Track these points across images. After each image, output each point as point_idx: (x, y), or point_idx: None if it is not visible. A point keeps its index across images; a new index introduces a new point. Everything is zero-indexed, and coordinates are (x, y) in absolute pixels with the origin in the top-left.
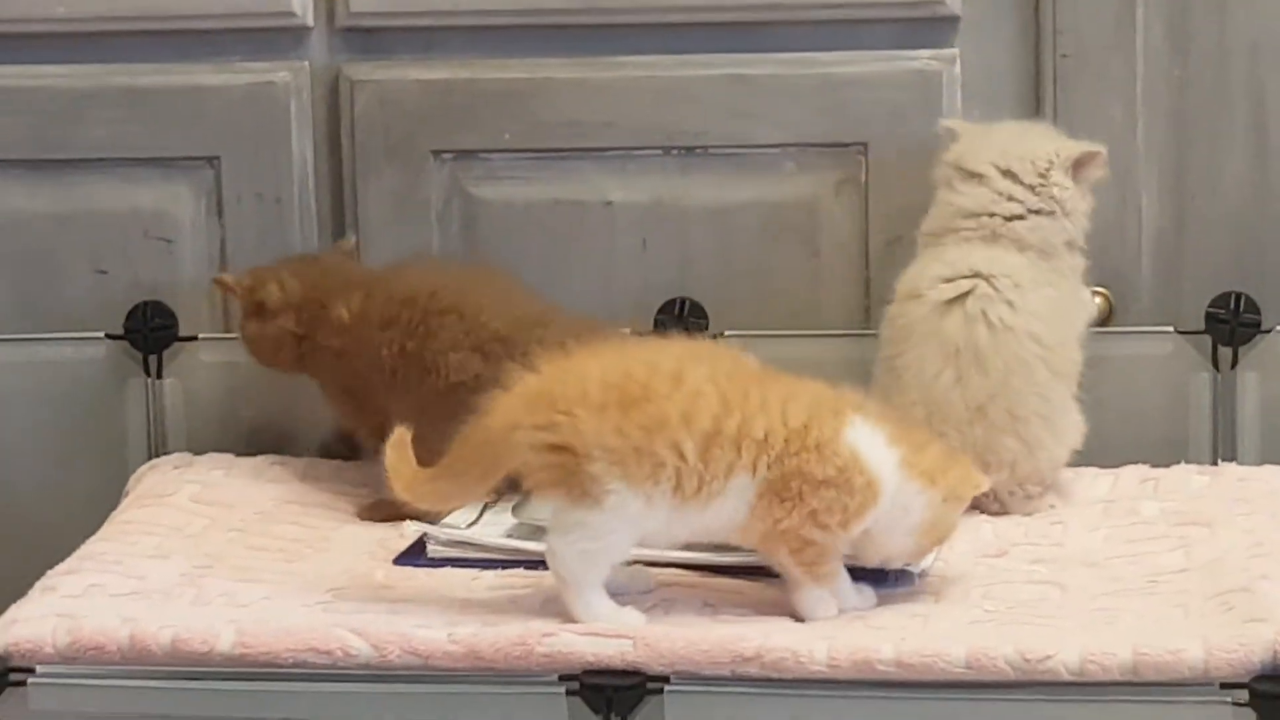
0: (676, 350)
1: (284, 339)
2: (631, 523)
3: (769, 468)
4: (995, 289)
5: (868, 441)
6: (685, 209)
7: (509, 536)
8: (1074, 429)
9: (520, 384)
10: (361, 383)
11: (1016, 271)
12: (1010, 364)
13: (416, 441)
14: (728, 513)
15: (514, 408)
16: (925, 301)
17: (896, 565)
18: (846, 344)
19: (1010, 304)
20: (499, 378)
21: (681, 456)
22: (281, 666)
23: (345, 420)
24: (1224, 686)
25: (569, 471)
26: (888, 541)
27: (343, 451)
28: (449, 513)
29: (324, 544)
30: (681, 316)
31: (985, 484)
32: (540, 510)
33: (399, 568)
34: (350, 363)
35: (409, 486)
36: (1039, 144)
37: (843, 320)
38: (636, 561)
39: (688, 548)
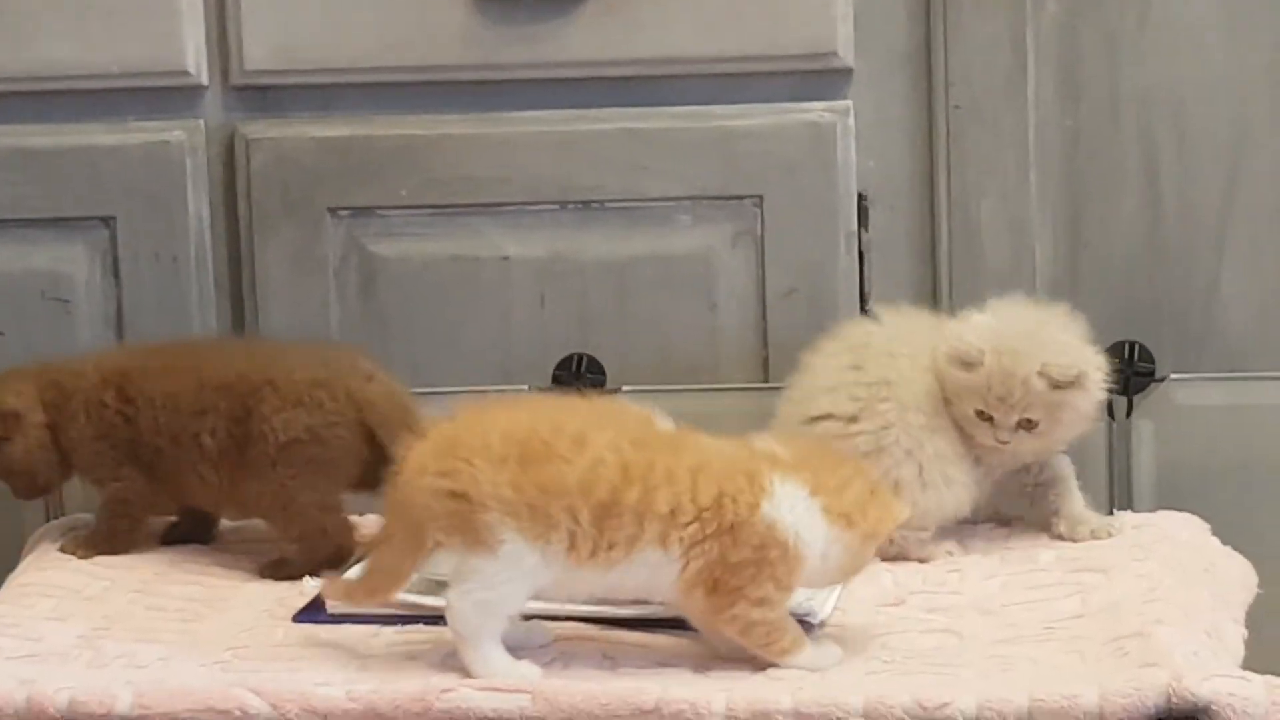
0: (585, 412)
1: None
2: (526, 575)
3: (686, 551)
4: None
5: (787, 506)
6: (582, 263)
7: (409, 592)
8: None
9: (434, 431)
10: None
11: None
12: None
13: (262, 510)
14: (640, 581)
15: (423, 454)
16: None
17: (821, 600)
18: (745, 397)
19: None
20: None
21: (575, 521)
22: None
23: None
24: None
25: (464, 519)
26: (809, 581)
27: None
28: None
29: (223, 603)
30: (579, 373)
31: (905, 514)
32: (441, 565)
33: (298, 625)
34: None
35: (354, 594)
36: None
37: (741, 373)
38: (533, 616)
39: (601, 604)
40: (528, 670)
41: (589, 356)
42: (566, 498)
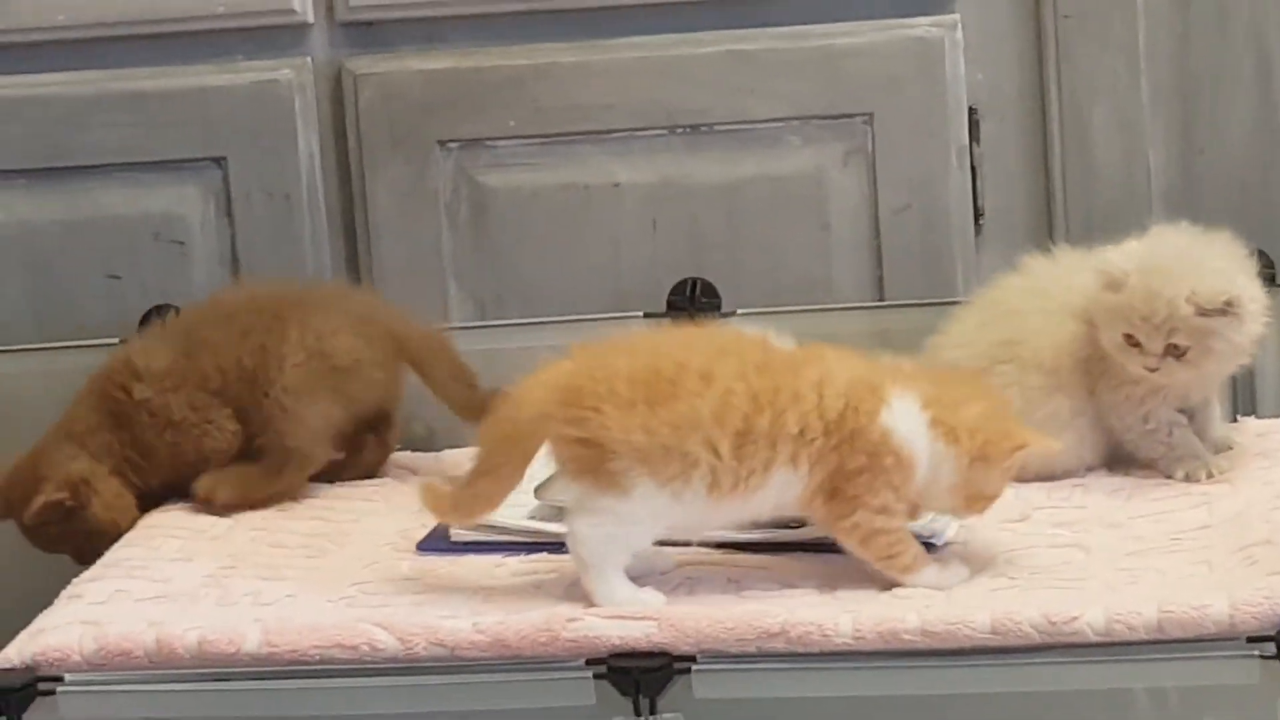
0: (703, 344)
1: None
2: (658, 515)
3: (812, 465)
4: None
5: (903, 416)
6: (692, 188)
7: (532, 519)
8: None
9: (550, 374)
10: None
11: None
12: None
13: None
14: (772, 502)
15: (544, 399)
16: None
17: (944, 524)
18: (860, 316)
19: None
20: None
21: (716, 454)
22: (308, 664)
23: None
24: (1250, 640)
25: (595, 464)
26: (931, 501)
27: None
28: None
29: (344, 538)
30: (693, 298)
31: (1027, 442)
32: (564, 492)
33: (422, 557)
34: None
35: (451, 509)
36: None
37: (854, 292)
38: (657, 542)
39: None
40: (652, 597)
41: (703, 281)
42: (702, 432)
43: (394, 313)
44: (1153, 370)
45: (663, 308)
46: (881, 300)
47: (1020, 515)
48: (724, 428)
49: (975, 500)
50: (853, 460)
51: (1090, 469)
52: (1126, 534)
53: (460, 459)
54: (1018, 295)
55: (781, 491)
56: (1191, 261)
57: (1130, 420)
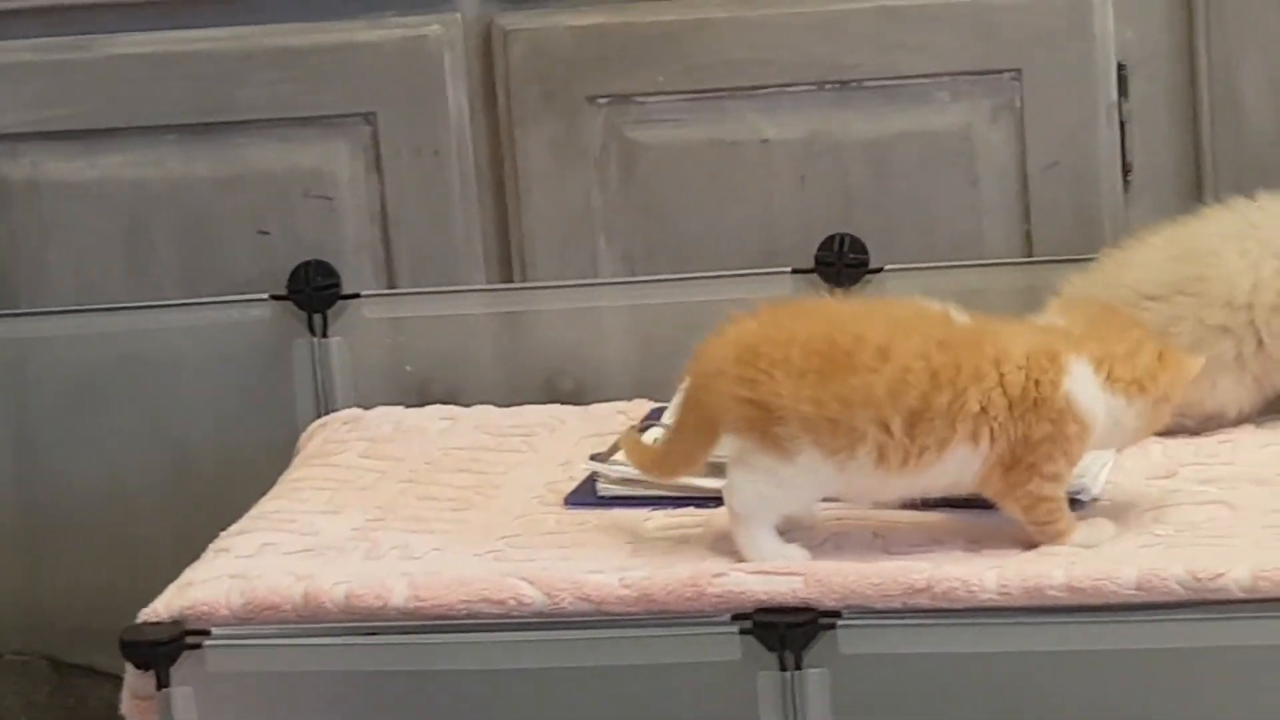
0: (885, 318)
1: None
2: (818, 482)
3: (993, 439)
4: None
5: (1083, 383)
6: (841, 144)
7: None
8: None
9: (733, 331)
10: None
11: None
12: None
13: None
14: (949, 477)
15: (722, 356)
16: None
17: (1092, 479)
18: (1009, 272)
19: None
20: None
21: (887, 431)
22: (455, 618)
23: None
24: None
25: (762, 425)
26: (1104, 445)
27: None
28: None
29: (494, 490)
30: (841, 253)
31: (1197, 367)
32: (725, 445)
33: (569, 510)
34: None
35: (654, 464)
36: None
37: (1004, 248)
38: None
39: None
40: (797, 553)
41: (851, 236)
42: (874, 408)
43: None
44: None
45: (811, 264)
46: (1030, 256)
47: (1167, 472)
48: (898, 405)
49: (1148, 434)
50: (1038, 429)
51: (1243, 418)
52: (1275, 490)
53: (608, 412)
54: (1214, 233)
55: (960, 467)
56: None
57: None
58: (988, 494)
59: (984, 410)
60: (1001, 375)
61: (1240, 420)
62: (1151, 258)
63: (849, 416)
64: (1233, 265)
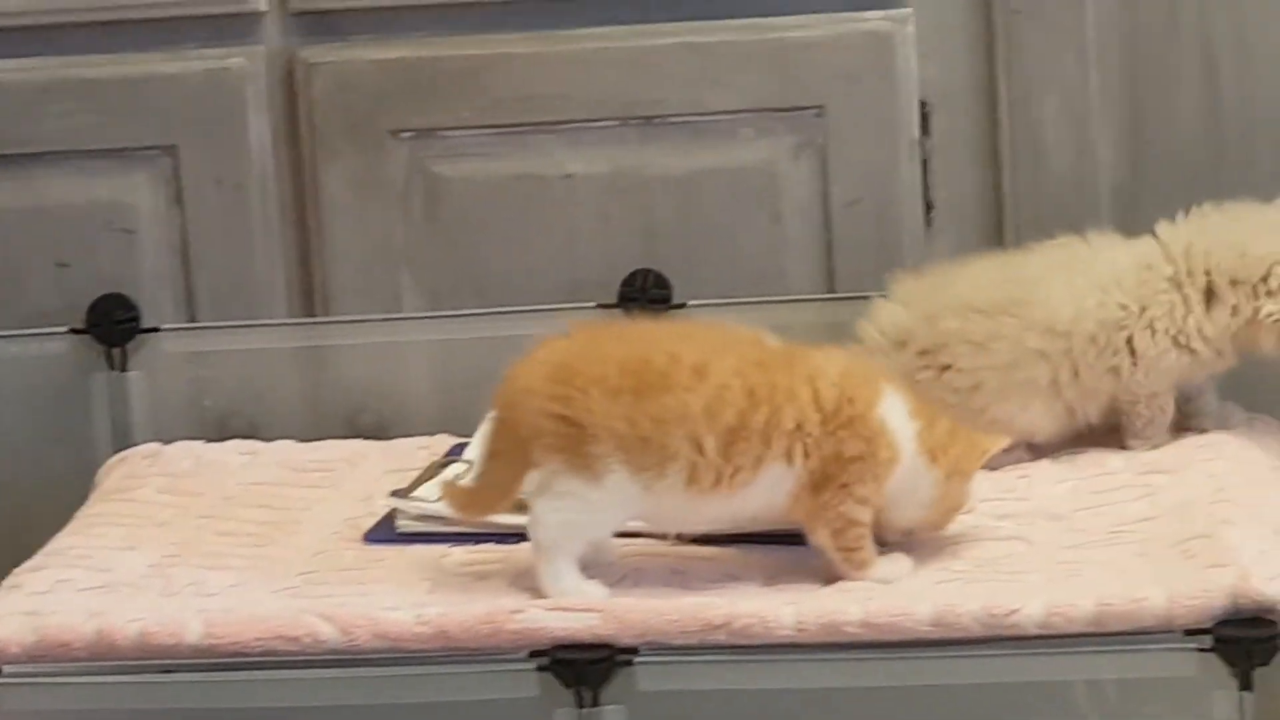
0: (700, 338)
1: None
2: (624, 505)
3: (806, 456)
4: None
5: (896, 411)
6: (646, 179)
7: None
8: None
9: (544, 351)
10: None
11: None
12: None
13: None
14: (762, 500)
15: (533, 375)
16: None
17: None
18: (812, 308)
19: None
20: None
21: (700, 451)
22: (250, 655)
23: None
24: (1188, 633)
25: (573, 444)
26: (901, 516)
27: None
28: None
29: (293, 526)
30: (645, 289)
31: (997, 446)
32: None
33: (369, 547)
34: None
35: (469, 503)
36: None
37: (806, 284)
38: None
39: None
40: (596, 589)
41: (655, 272)
42: (689, 426)
43: None
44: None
45: (615, 299)
46: (833, 293)
47: (965, 507)
48: (714, 424)
49: (946, 514)
50: (851, 447)
51: (1051, 444)
52: (1068, 526)
53: (410, 448)
54: (1044, 262)
55: (772, 488)
56: None
57: (1157, 384)
58: (797, 517)
59: (799, 427)
60: (816, 390)
61: (1049, 445)
62: (983, 275)
63: (662, 434)
64: (1057, 293)
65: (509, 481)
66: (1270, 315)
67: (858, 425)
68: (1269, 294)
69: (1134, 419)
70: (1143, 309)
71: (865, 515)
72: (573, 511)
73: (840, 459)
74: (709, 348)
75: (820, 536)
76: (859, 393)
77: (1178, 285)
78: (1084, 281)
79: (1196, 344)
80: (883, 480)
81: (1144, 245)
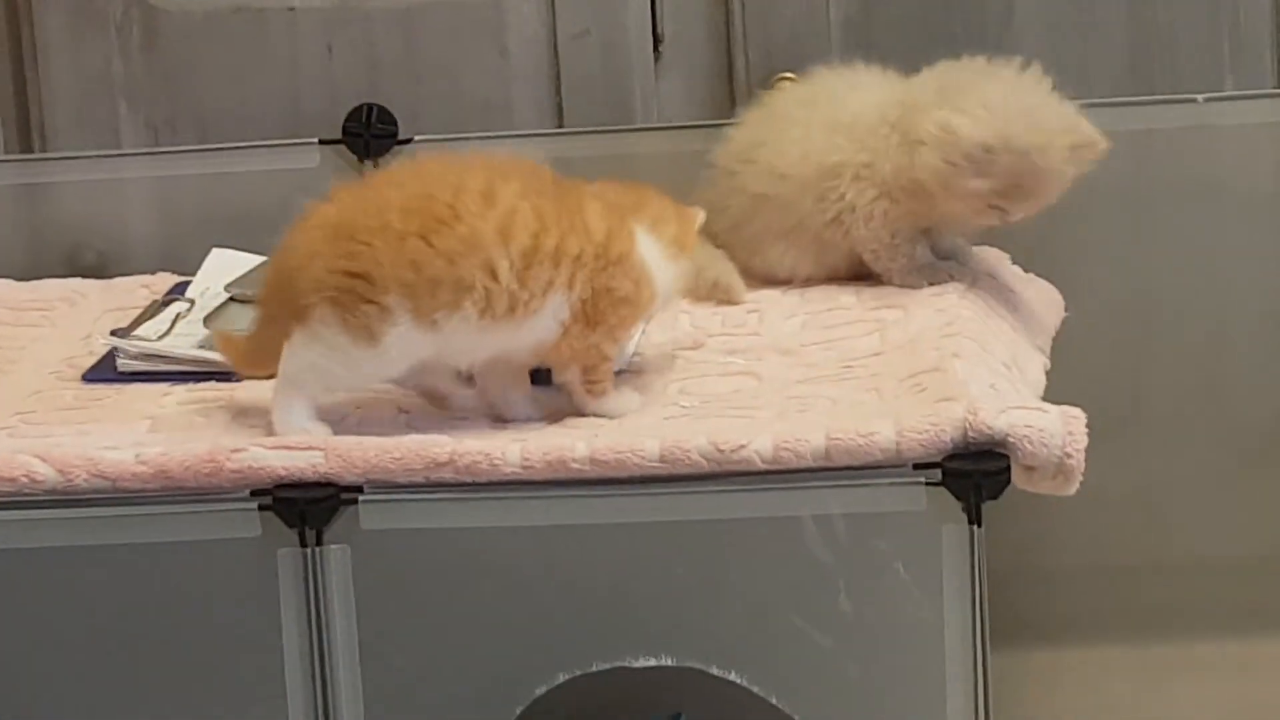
0: (481, 167)
1: None
2: (399, 361)
3: (581, 286)
4: None
5: (648, 248)
6: (369, 11)
7: (201, 348)
8: None
9: (317, 215)
10: None
11: None
12: None
13: None
14: (541, 331)
15: (314, 239)
16: None
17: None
18: (540, 143)
19: None
20: None
21: (494, 276)
22: None
23: None
24: (917, 467)
25: (359, 300)
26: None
27: None
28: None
29: (10, 366)
30: (369, 124)
31: (699, 214)
32: (236, 320)
33: (88, 386)
34: None
35: (242, 358)
36: None
37: (534, 118)
38: None
39: None
40: (318, 428)
41: (379, 106)
42: (483, 253)
43: None
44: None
45: (338, 134)
46: (561, 127)
47: (694, 343)
48: (510, 246)
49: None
50: (621, 286)
51: (790, 283)
52: (799, 361)
53: (131, 286)
54: (792, 103)
55: (551, 319)
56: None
57: (879, 233)
58: (562, 353)
59: (579, 257)
60: (587, 222)
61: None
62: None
63: (454, 270)
64: (792, 135)
65: (278, 345)
66: (925, 165)
67: (624, 264)
68: (920, 143)
69: (877, 270)
70: (859, 157)
71: (615, 350)
72: (329, 361)
73: (611, 294)
74: (492, 174)
75: (569, 373)
76: (621, 232)
77: (889, 136)
78: (820, 123)
79: (897, 194)
80: (642, 315)
81: (890, 91)
